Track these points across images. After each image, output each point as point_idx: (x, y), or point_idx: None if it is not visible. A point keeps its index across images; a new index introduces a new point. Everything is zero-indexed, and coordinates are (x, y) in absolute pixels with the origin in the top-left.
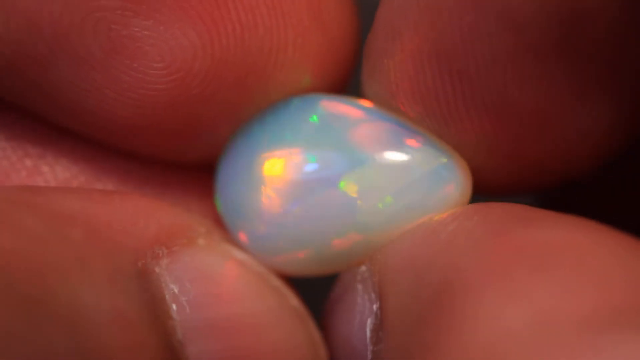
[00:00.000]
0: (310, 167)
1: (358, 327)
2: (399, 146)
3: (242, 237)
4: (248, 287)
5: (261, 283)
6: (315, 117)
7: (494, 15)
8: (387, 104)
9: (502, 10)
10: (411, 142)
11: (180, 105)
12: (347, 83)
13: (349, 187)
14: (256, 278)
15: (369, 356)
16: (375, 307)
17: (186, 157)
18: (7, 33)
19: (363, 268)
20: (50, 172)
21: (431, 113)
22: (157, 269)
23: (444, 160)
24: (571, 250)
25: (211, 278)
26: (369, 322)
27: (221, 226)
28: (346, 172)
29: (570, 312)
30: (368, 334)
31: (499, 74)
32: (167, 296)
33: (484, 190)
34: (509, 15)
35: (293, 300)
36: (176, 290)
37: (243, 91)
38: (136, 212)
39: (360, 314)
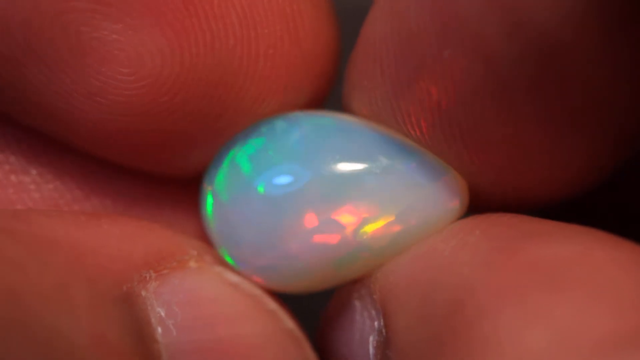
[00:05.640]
0: (317, 196)
1: (359, 344)
2: (399, 162)
3: (257, 279)
4: (241, 310)
5: (255, 305)
6: (307, 137)
7: (471, 50)
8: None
9: (477, 44)
10: (411, 158)
11: (151, 113)
12: (325, 98)
13: (357, 210)
14: (250, 300)
15: None
16: (377, 324)
17: (169, 170)
18: None
19: (359, 285)
20: (37, 190)
21: (411, 136)
22: (143, 293)
23: (445, 174)
24: (584, 266)
25: (202, 301)
26: (372, 339)
27: (212, 247)
28: (351, 195)
29: (590, 332)
30: (371, 350)
31: (475, 107)
32: (152, 319)
33: (476, 205)
34: (482, 46)
35: (289, 322)
36: (162, 314)
37: (214, 102)
38: (123, 236)
39: (360, 331)
